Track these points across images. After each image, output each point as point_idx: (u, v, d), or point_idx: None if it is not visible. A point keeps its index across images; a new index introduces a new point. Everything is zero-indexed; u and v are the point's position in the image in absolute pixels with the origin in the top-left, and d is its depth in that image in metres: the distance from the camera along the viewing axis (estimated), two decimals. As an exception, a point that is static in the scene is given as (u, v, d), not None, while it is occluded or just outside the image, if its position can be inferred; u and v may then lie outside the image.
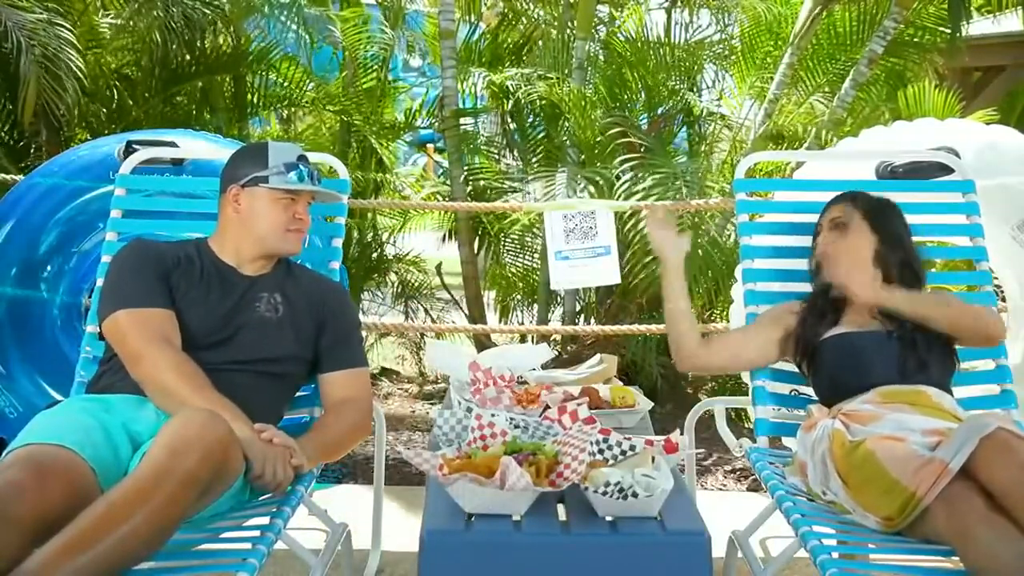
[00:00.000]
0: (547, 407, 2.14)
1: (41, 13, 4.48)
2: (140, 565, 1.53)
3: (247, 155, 2.15)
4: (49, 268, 3.28)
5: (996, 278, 3.23)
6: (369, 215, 5.33)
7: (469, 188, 5.01)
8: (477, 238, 5.09)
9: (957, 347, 2.25)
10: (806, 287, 2.44)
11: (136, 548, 1.50)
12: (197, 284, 2.05)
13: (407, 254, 5.60)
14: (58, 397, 3.01)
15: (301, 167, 2.10)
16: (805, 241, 2.49)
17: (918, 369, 2.12)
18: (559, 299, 4.97)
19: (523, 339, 4.87)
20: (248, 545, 1.65)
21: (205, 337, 1.98)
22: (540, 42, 5.45)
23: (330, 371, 2.12)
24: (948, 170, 2.65)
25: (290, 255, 2.17)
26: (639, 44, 5.20)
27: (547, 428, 1.94)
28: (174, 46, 5.00)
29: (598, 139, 4.64)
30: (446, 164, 5.28)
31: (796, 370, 2.36)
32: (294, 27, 4.88)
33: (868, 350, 2.17)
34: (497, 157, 5.48)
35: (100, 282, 2.29)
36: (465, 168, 5.06)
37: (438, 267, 5.49)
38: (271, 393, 2.06)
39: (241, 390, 1.94)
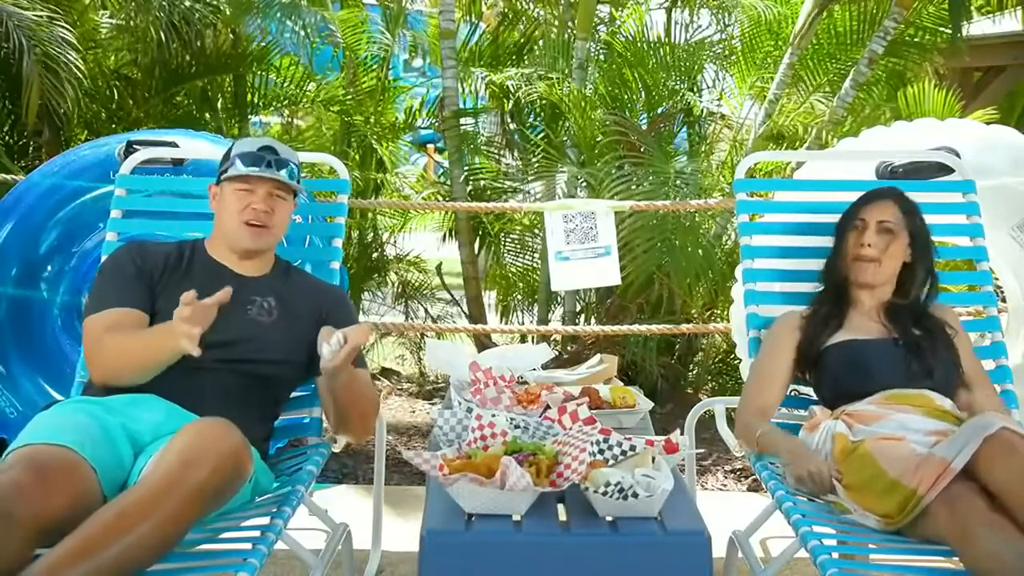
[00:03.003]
0: (547, 407, 2.14)
1: (41, 11, 4.49)
2: (140, 565, 1.53)
3: (225, 153, 2.17)
4: (49, 268, 3.28)
5: (996, 278, 3.24)
6: (369, 215, 5.33)
7: (469, 188, 5.01)
8: (477, 238, 5.09)
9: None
10: (807, 287, 2.43)
11: (143, 555, 1.51)
12: (186, 284, 2.04)
13: (407, 254, 5.60)
14: (58, 397, 3.02)
15: (265, 156, 2.08)
16: (806, 241, 2.49)
17: (924, 375, 2.11)
18: (559, 299, 4.97)
19: (523, 339, 4.87)
20: (248, 545, 1.65)
21: None
22: (540, 42, 5.45)
23: None
24: (948, 170, 2.65)
25: (250, 251, 2.12)
26: (639, 44, 5.20)
27: (547, 428, 1.94)
28: (174, 46, 5.00)
29: (598, 139, 4.64)
30: (446, 164, 5.27)
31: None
32: (294, 27, 4.88)
33: (874, 357, 2.16)
34: (497, 157, 5.48)
35: (92, 287, 2.30)
36: (465, 168, 5.06)
37: (438, 267, 5.49)
38: (263, 394, 2.05)
39: (230, 390, 1.95)
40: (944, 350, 2.17)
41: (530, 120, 5.41)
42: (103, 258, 2.41)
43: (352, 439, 2.25)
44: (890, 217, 2.24)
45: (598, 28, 5.37)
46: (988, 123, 3.58)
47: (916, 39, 4.96)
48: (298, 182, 2.16)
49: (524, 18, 5.68)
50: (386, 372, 5.31)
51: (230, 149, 2.14)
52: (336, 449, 2.30)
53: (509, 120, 5.44)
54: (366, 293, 5.38)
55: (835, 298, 2.30)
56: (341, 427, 2.14)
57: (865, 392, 2.11)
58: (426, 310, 5.43)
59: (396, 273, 5.49)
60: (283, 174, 2.09)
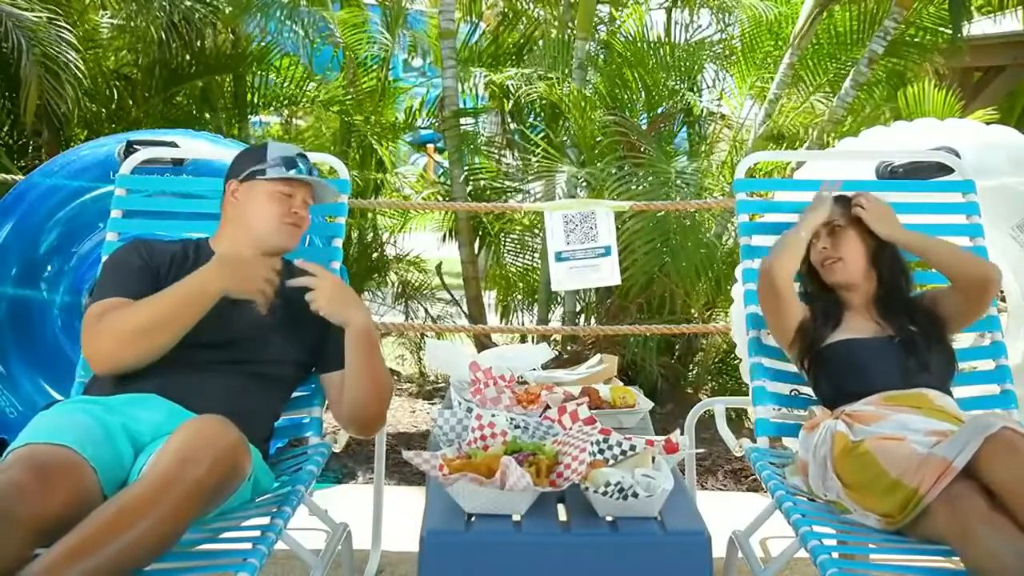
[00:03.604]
0: (547, 407, 2.14)
1: (41, 12, 4.49)
2: (141, 565, 1.53)
3: (247, 153, 2.18)
4: (49, 268, 3.28)
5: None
6: (369, 215, 5.33)
7: (469, 188, 5.01)
8: (477, 238, 5.09)
9: (955, 339, 2.28)
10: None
11: (142, 554, 1.50)
12: None
13: (407, 254, 5.60)
14: (58, 397, 3.02)
15: (299, 163, 2.11)
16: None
17: (919, 370, 2.12)
18: (559, 299, 4.97)
19: (523, 339, 4.86)
20: (248, 545, 1.65)
21: (198, 336, 1.96)
22: (540, 42, 5.45)
23: (336, 370, 2.10)
24: (948, 170, 2.65)
25: (285, 251, 2.14)
26: (639, 44, 5.20)
27: (547, 428, 1.94)
28: (174, 46, 5.00)
29: (598, 139, 4.64)
30: (446, 164, 5.28)
31: (796, 370, 2.37)
32: (293, 27, 4.89)
33: (870, 356, 2.17)
34: (497, 157, 5.48)
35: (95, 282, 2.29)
36: (465, 168, 5.06)
37: (438, 267, 5.49)
38: (264, 394, 2.05)
39: (232, 390, 1.94)
40: (938, 343, 2.19)
41: (530, 120, 5.42)
42: (104, 257, 2.41)
43: (365, 427, 2.14)
44: (834, 216, 2.33)
45: (598, 28, 5.38)
46: (988, 123, 3.57)
47: (916, 39, 4.96)
48: None
49: (524, 18, 5.68)
50: (386, 372, 5.29)
51: (263, 150, 2.13)
52: (336, 449, 2.30)
53: (509, 120, 5.44)
54: (366, 293, 5.38)
55: (825, 299, 2.33)
56: (358, 409, 2.07)
57: (864, 391, 2.11)
58: (426, 310, 5.43)
59: (396, 273, 5.49)
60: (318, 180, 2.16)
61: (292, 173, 2.09)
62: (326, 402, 2.23)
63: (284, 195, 2.09)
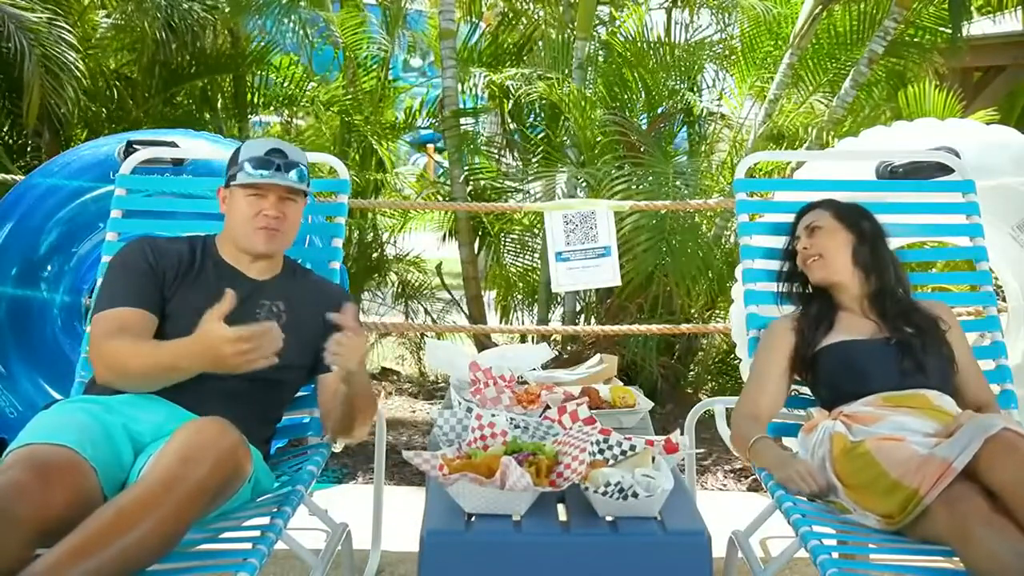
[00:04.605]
0: (547, 407, 2.14)
1: (42, 12, 4.49)
2: (141, 565, 1.53)
3: (232, 155, 2.14)
4: (49, 268, 3.29)
5: (996, 278, 3.24)
6: (369, 215, 5.33)
7: (469, 188, 5.01)
8: (477, 238, 5.09)
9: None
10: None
11: (143, 554, 1.50)
12: (197, 287, 2.03)
13: (407, 254, 5.60)
14: (58, 397, 3.01)
15: (273, 160, 2.05)
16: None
17: (916, 371, 2.12)
18: (559, 299, 4.97)
19: (523, 339, 4.87)
20: (248, 545, 1.65)
21: None
22: (540, 42, 5.45)
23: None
24: (948, 170, 2.65)
25: (264, 255, 2.10)
26: (639, 44, 5.20)
27: (547, 428, 1.94)
28: (173, 46, 5.00)
29: (598, 139, 4.64)
30: (446, 164, 5.28)
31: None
32: (292, 26, 4.89)
33: (867, 357, 2.16)
34: (497, 157, 5.48)
35: (100, 282, 2.28)
36: (465, 168, 5.06)
37: (438, 267, 5.49)
38: (266, 397, 2.05)
39: (235, 393, 1.94)
40: (936, 345, 2.18)
41: (530, 120, 5.42)
42: (104, 257, 2.41)
43: (352, 440, 2.21)
44: (814, 219, 2.34)
45: (598, 28, 5.37)
46: (988, 123, 3.57)
47: (916, 39, 4.96)
48: (307, 181, 2.13)
49: (524, 18, 5.68)
50: (386, 372, 5.30)
51: (238, 151, 2.10)
52: (336, 449, 2.30)
53: (509, 120, 5.44)
54: (366, 293, 5.38)
55: (819, 301, 2.33)
56: (345, 429, 2.10)
57: (861, 393, 2.11)
58: (426, 310, 5.43)
59: (396, 273, 5.49)
60: (293, 176, 2.07)
61: (258, 175, 2.04)
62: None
63: (256, 197, 2.05)
